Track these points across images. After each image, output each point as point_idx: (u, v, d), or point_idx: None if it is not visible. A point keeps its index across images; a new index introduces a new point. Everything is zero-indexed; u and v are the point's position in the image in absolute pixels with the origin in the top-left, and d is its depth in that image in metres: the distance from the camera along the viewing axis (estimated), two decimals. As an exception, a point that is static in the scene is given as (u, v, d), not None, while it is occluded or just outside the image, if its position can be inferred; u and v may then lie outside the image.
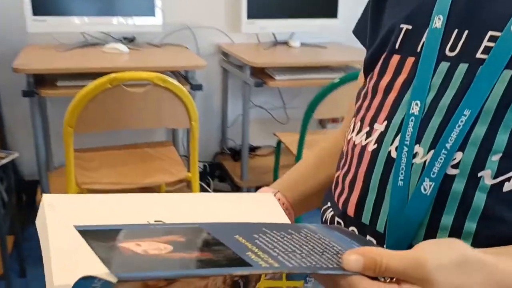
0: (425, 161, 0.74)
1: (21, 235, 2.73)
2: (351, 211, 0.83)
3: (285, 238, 0.62)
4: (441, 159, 0.72)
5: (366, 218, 0.80)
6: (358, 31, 1.02)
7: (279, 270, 0.56)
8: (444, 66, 0.77)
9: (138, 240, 0.55)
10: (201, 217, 0.68)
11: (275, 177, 3.21)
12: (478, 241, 0.69)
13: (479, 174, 0.70)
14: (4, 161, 2.39)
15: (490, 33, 0.73)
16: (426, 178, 0.73)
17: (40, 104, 2.93)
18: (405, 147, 0.76)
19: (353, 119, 0.91)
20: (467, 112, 0.71)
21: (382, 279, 0.60)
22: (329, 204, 0.91)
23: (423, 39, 0.80)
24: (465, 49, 0.76)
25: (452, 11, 0.79)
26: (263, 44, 3.54)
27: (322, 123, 3.78)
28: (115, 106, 2.29)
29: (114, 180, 2.39)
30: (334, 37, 3.69)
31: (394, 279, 0.60)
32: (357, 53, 3.37)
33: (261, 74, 3.16)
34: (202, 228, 0.61)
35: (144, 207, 0.69)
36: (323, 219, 0.92)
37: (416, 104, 0.77)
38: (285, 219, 0.78)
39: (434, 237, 0.73)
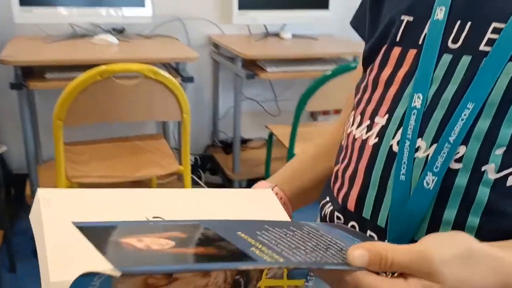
0: (427, 155, 0.72)
1: (11, 229, 2.70)
2: (351, 205, 0.82)
3: (288, 235, 0.61)
4: (444, 153, 0.71)
5: (367, 212, 0.79)
6: (356, 23, 1.00)
7: (285, 265, 0.55)
8: (446, 58, 0.75)
9: (139, 236, 0.54)
10: (199, 213, 0.68)
11: (267, 170, 3.21)
12: (481, 236, 0.68)
13: (483, 168, 0.69)
14: (-8, 155, 2.37)
15: (493, 24, 0.72)
16: (428, 173, 0.72)
17: (28, 97, 2.90)
18: (407, 141, 0.75)
19: (353, 112, 0.89)
20: (470, 106, 0.70)
21: (384, 275, 0.59)
22: (328, 198, 0.90)
23: (425, 31, 0.79)
24: (468, 41, 0.74)
25: (454, 2, 0.77)
26: (254, 36, 3.52)
27: (313, 116, 3.77)
28: (105, 99, 2.27)
29: (104, 174, 2.37)
30: (326, 28, 3.68)
31: (396, 274, 0.59)
32: (348, 45, 3.38)
33: (252, 66, 3.14)
34: (202, 225, 0.60)
35: (141, 202, 0.68)
36: (322, 213, 0.91)
37: (418, 97, 0.75)
38: (284, 215, 0.77)
39: (436, 231, 0.72)
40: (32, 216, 0.61)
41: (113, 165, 2.45)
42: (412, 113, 0.75)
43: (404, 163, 0.74)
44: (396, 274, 0.60)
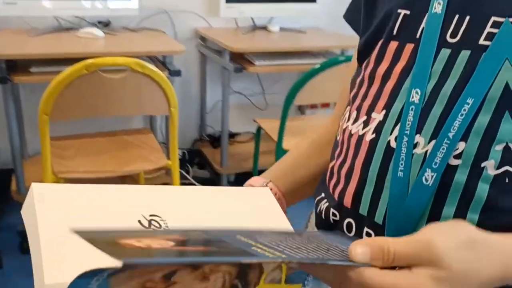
0: (426, 152, 0.72)
1: (-4, 225, 2.68)
2: (347, 202, 0.81)
3: (288, 239, 0.60)
4: (443, 149, 0.70)
5: (363, 209, 0.78)
6: (350, 16, 0.99)
7: (288, 260, 0.55)
8: (445, 53, 0.74)
9: (139, 238, 0.52)
10: (197, 211, 0.68)
11: (255, 164, 3.21)
12: None
13: (482, 164, 0.69)
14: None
15: (493, 18, 0.71)
16: (427, 169, 0.71)
17: (13, 91, 2.87)
18: (405, 137, 0.74)
19: (348, 107, 0.88)
20: (470, 101, 0.69)
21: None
22: (323, 194, 0.89)
23: (422, 24, 0.78)
24: (467, 35, 0.73)
25: None
26: (242, 29, 3.50)
27: (301, 109, 3.76)
28: (92, 93, 2.25)
29: (91, 169, 2.36)
30: (313, 22, 3.66)
31: (397, 268, 0.59)
32: (336, 38, 3.37)
33: (240, 60, 3.12)
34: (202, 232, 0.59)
35: (138, 199, 0.67)
36: (317, 210, 0.90)
37: (416, 93, 0.74)
38: (282, 215, 0.77)
39: None
40: (24, 211, 0.60)
41: (100, 160, 2.43)
42: (410, 108, 0.74)
43: (402, 159, 0.73)
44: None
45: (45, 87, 2.15)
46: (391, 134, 0.76)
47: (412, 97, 0.74)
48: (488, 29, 0.71)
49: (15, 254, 2.66)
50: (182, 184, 2.81)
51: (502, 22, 0.70)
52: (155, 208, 0.65)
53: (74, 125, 2.69)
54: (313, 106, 3.71)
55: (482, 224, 0.68)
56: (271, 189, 0.90)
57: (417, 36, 0.78)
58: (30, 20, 3.10)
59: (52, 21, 3.10)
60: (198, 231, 0.58)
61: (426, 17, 0.77)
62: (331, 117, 1.06)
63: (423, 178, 0.71)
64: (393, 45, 0.81)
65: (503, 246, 0.62)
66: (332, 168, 0.88)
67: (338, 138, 0.89)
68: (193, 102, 3.65)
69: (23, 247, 2.67)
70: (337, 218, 0.84)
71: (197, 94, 3.64)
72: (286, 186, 0.98)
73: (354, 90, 0.88)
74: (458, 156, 0.70)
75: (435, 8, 0.76)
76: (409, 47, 0.78)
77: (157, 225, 0.62)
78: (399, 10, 0.81)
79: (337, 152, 0.88)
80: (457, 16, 0.74)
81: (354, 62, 0.96)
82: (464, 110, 0.69)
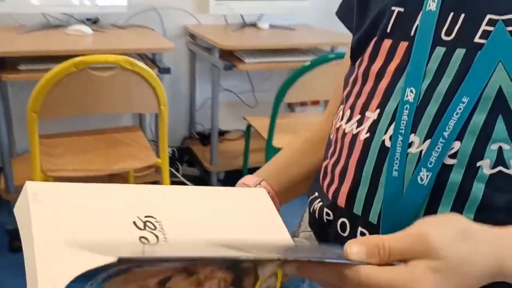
0: (421, 151, 0.72)
1: (-16, 224, 2.67)
2: (341, 201, 0.81)
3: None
4: (438, 148, 0.70)
5: (358, 209, 0.78)
6: (342, 14, 0.98)
7: (283, 258, 0.56)
8: (439, 51, 0.74)
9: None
10: (192, 212, 0.67)
11: (245, 162, 3.21)
12: None
13: (478, 164, 0.69)
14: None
15: (488, 16, 0.70)
16: (423, 168, 0.71)
17: (1, 89, 2.85)
18: (400, 136, 0.74)
19: (342, 106, 0.87)
20: (465, 100, 0.69)
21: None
22: (316, 194, 0.89)
23: (417, 22, 0.77)
24: (462, 33, 0.73)
25: None
26: (231, 26, 3.48)
27: (291, 107, 3.76)
28: (81, 91, 2.23)
29: (80, 167, 2.34)
30: (303, 19, 3.65)
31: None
32: (326, 36, 3.37)
33: (229, 57, 3.11)
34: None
35: (132, 199, 0.66)
36: (311, 209, 0.90)
37: (411, 91, 0.74)
38: (277, 217, 0.76)
39: None
40: (18, 210, 0.60)
41: (90, 158, 2.42)
42: (405, 107, 0.74)
43: (397, 158, 0.73)
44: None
45: (33, 85, 2.13)
46: (385, 133, 0.76)
47: (407, 96, 0.74)
48: (483, 27, 0.71)
49: (4, 253, 2.64)
50: (172, 182, 2.80)
51: (498, 20, 0.69)
52: (150, 209, 0.64)
53: (63, 123, 2.67)
54: (303, 104, 3.71)
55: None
56: (264, 188, 0.90)
57: (411, 34, 0.77)
58: (18, 17, 3.07)
59: (40, 18, 3.08)
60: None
61: (420, 15, 0.77)
62: (324, 115, 1.05)
63: (418, 178, 0.71)
64: (387, 43, 0.80)
65: (498, 238, 0.62)
66: (326, 167, 0.87)
67: (331, 137, 0.89)
68: (183, 100, 3.63)
69: (12, 246, 2.65)
70: (331, 217, 0.83)
71: (186, 92, 3.63)
72: (279, 185, 0.97)
73: (348, 89, 0.87)
74: (453, 156, 0.70)
75: (429, 5, 0.76)
76: (403, 45, 0.78)
77: (152, 227, 0.61)
78: (392, 8, 0.81)
79: (330, 151, 0.87)
80: (451, 13, 0.74)
81: (347, 60, 0.95)
82: (460, 109, 0.69)
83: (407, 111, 0.73)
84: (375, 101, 0.79)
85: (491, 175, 0.68)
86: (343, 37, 3.03)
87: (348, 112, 0.84)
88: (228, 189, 0.79)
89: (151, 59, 2.94)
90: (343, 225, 0.81)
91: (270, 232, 0.72)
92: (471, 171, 0.69)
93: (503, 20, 0.69)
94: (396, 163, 0.73)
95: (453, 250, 0.57)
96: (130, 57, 2.22)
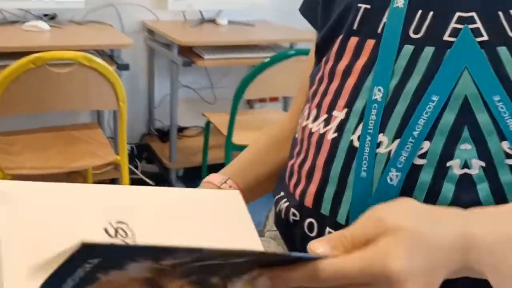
0: (390, 151, 0.70)
1: None
2: (309, 202, 0.79)
3: None
4: (407, 148, 0.69)
5: (325, 209, 0.77)
6: (306, 10, 0.96)
7: (250, 252, 0.55)
8: (408, 49, 0.72)
9: None
10: (164, 216, 0.66)
11: (204, 158, 3.20)
12: None
13: (448, 164, 0.68)
14: None
15: (457, 14, 0.70)
16: (392, 169, 0.70)
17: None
18: (368, 136, 0.72)
19: (308, 105, 0.86)
20: (435, 98, 0.68)
21: None
22: (282, 193, 0.87)
23: (384, 19, 0.76)
24: (431, 31, 0.72)
25: None
26: (190, 22, 3.47)
27: (250, 103, 3.75)
28: (39, 87, 2.21)
29: (39, 165, 2.31)
30: (262, 14, 3.65)
31: None
32: (285, 32, 3.38)
33: (188, 53, 3.10)
34: None
35: (103, 202, 0.65)
36: (277, 209, 0.88)
37: (379, 90, 0.73)
38: (248, 220, 0.74)
39: None
40: None
41: (48, 156, 2.39)
42: (373, 107, 0.73)
43: (366, 159, 0.72)
44: None
45: (-11, 82, 2.09)
46: (353, 133, 0.74)
47: (375, 95, 0.73)
48: (452, 24, 0.70)
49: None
50: (131, 179, 2.78)
51: (467, 18, 0.69)
52: (121, 213, 0.63)
53: (20, 120, 2.64)
54: (262, 100, 3.71)
55: None
56: (230, 187, 0.90)
57: (378, 31, 0.76)
58: (-28, 13, 3.02)
59: (-4, 13, 3.03)
60: None
61: (387, 12, 0.75)
62: (288, 112, 1.04)
63: (388, 178, 0.70)
64: (353, 40, 0.79)
65: (457, 210, 0.61)
66: (292, 166, 0.86)
67: (297, 136, 0.87)
68: (141, 96, 3.60)
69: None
70: (298, 218, 0.82)
71: (145, 88, 3.60)
72: (245, 183, 0.96)
73: (314, 87, 0.85)
74: (423, 156, 0.68)
75: (397, 2, 0.75)
76: (370, 43, 0.76)
77: (124, 234, 0.60)
78: (359, 4, 0.79)
79: (296, 150, 0.86)
80: (420, 11, 0.73)
81: (311, 57, 0.93)
82: (429, 108, 0.68)
83: (375, 111, 0.72)
84: (342, 100, 0.77)
85: (461, 175, 0.67)
86: (302, 33, 3.04)
87: (314, 111, 0.82)
88: (202, 191, 0.78)
89: (109, 55, 2.92)
90: (310, 225, 0.79)
91: (241, 239, 0.71)
92: (441, 171, 0.68)
93: (468, 18, 0.69)
94: (364, 164, 0.72)
95: (412, 222, 0.57)
96: (88, 54, 2.20)
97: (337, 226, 0.75)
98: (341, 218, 0.75)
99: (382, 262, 0.54)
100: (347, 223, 0.74)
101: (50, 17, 3.16)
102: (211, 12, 3.52)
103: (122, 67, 2.78)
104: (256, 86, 2.64)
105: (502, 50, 0.68)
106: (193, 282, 0.57)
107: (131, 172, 3.33)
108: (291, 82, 2.60)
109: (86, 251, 0.44)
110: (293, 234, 0.83)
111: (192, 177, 3.26)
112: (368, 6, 0.78)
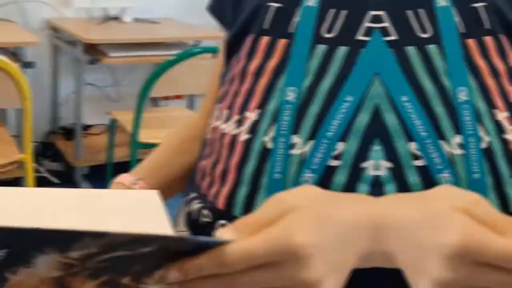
0: (303, 152, 0.68)
1: None
2: (221, 203, 0.76)
3: None
4: (322, 149, 0.67)
5: (238, 211, 0.74)
6: (215, 8, 0.93)
7: (165, 235, 0.54)
8: (321, 49, 0.70)
9: None
10: (79, 218, 0.65)
11: (110, 156, 3.19)
12: None
13: (362, 165, 0.66)
14: None
15: (370, 13, 0.69)
16: (306, 170, 0.68)
17: None
18: (281, 137, 0.70)
19: (218, 105, 0.83)
20: (349, 99, 0.67)
21: None
22: (193, 194, 0.84)
23: (295, 19, 0.73)
24: (344, 30, 0.70)
25: None
26: (94, 19, 3.45)
27: (154, 101, 3.74)
28: None
29: None
30: (166, 11, 3.65)
31: None
32: (189, 29, 3.40)
33: (93, 51, 3.09)
34: None
35: (17, 205, 0.64)
36: (188, 210, 0.86)
37: (291, 91, 0.71)
38: (164, 219, 0.72)
39: None
40: None
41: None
42: (285, 107, 0.70)
43: (279, 160, 0.70)
44: None
45: None
46: (266, 134, 0.72)
47: (287, 96, 0.71)
48: (366, 23, 0.69)
49: None
50: (36, 177, 2.73)
51: (380, 16, 0.69)
52: (35, 216, 0.62)
53: None
54: (167, 98, 3.69)
55: None
56: (141, 187, 0.89)
57: (290, 31, 0.73)
58: None
59: None
60: None
61: (299, 11, 0.73)
62: (199, 111, 1.02)
63: (302, 180, 0.68)
64: (264, 40, 0.76)
65: (365, 195, 0.62)
66: (204, 168, 0.83)
67: (207, 137, 0.85)
68: (46, 94, 3.55)
69: None
70: (210, 219, 0.79)
71: (49, 86, 3.55)
72: (156, 183, 0.93)
73: (224, 88, 0.82)
74: (337, 157, 0.67)
75: (308, 0, 0.73)
76: (281, 42, 0.74)
77: None
78: (269, 3, 0.76)
79: (206, 151, 0.84)
80: (332, 10, 0.71)
81: (221, 57, 0.90)
82: (343, 109, 0.67)
83: (288, 111, 0.70)
84: (254, 101, 0.74)
85: (376, 176, 0.66)
86: (206, 31, 3.08)
87: (225, 112, 0.79)
88: (119, 192, 0.77)
89: (13, 53, 2.87)
90: (222, 227, 0.73)
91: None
92: (356, 173, 0.66)
93: (378, 17, 0.69)
94: (278, 165, 0.70)
95: (316, 202, 0.57)
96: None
97: None
98: None
99: (286, 237, 0.54)
100: None
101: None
102: (116, 10, 3.51)
103: (27, 65, 2.75)
104: (162, 84, 2.65)
105: (411, 50, 0.68)
106: (104, 284, 0.55)
107: (36, 170, 3.29)
108: (196, 80, 2.63)
109: None
110: (205, 235, 0.82)
111: (97, 175, 3.25)
112: (279, 5, 0.75)
